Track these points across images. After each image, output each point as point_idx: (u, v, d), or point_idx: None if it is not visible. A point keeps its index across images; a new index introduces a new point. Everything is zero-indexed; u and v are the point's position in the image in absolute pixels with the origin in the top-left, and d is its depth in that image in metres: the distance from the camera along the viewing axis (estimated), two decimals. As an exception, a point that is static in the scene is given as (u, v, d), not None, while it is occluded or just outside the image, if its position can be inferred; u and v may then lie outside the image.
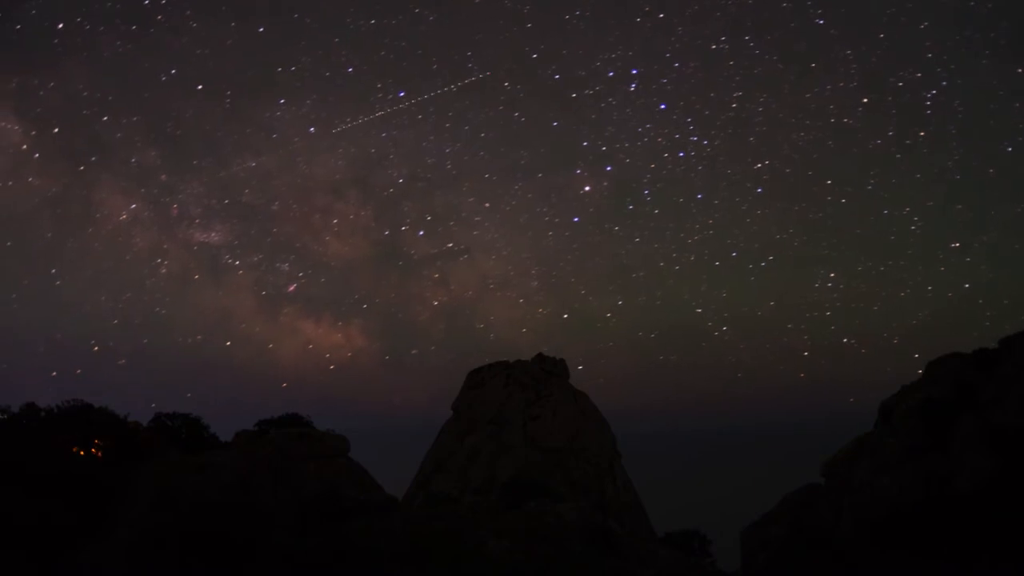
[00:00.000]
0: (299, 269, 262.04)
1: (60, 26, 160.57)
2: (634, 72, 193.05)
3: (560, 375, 56.01)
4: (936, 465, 19.60)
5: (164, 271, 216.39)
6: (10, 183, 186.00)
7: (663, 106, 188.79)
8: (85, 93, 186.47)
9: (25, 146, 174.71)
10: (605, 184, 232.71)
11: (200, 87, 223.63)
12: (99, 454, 23.92)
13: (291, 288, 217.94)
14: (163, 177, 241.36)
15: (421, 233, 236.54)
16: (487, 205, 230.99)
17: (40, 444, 22.05)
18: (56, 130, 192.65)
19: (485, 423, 51.23)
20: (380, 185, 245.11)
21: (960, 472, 18.97)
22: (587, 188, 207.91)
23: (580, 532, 21.37)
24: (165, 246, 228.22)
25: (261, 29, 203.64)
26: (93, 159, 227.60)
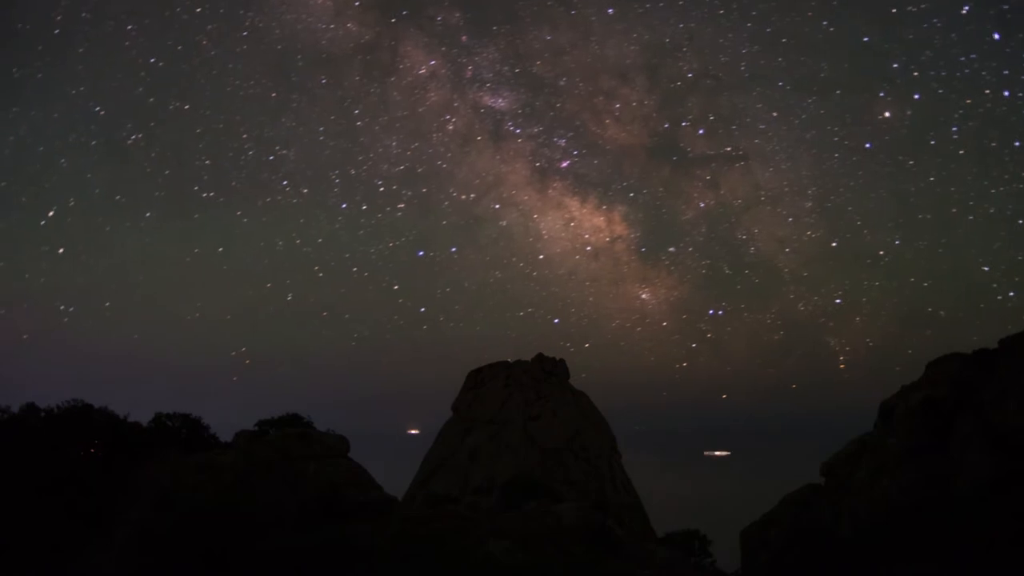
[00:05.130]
0: (574, 147, 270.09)
1: None
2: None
3: (560, 375, 56.02)
4: (936, 465, 19.59)
5: (451, 128, 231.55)
6: (332, 26, 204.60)
7: (997, 36, 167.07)
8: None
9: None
10: (909, 113, 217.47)
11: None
12: (99, 454, 23.91)
13: (564, 164, 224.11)
14: (463, 38, 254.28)
15: (701, 132, 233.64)
16: (775, 114, 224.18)
17: (40, 444, 22.04)
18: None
19: (485, 423, 51.24)
20: (668, 76, 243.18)
21: (960, 472, 18.96)
22: (887, 114, 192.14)
23: (580, 532, 21.37)
24: (455, 104, 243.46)
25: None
26: (404, 12, 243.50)
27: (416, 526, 20.48)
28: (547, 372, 55.31)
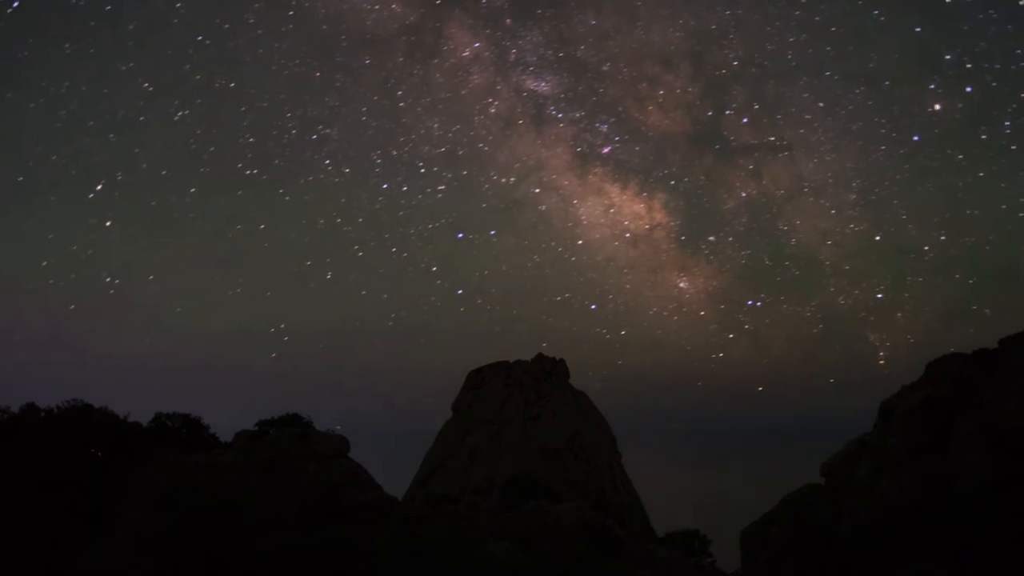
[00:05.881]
0: (616, 133, 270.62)
1: None
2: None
3: (560, 375, 56.01)
4: (936, 465, 19.59)
5: (493, 111, 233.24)
6: (376, 7, 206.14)
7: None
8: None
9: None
10: (960, 106, 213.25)
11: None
12: (99, 454, 23.91)
13: (606, 150, 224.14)
14: (507, 21, 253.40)
15: (745, 120, 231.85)
16: (821, 104, 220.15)
17: (40, 444, 22.04)
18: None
19: (485, 423, 51.24)
20: (713, 64, 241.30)
21: (960, 472, 18.96)
22: (938, 106, 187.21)
23: (580, 532, 21.38)
24: (498, 87, 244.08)
25: None
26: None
27: (416, 526, 20.49)
28: (547, 372, 55.32)
